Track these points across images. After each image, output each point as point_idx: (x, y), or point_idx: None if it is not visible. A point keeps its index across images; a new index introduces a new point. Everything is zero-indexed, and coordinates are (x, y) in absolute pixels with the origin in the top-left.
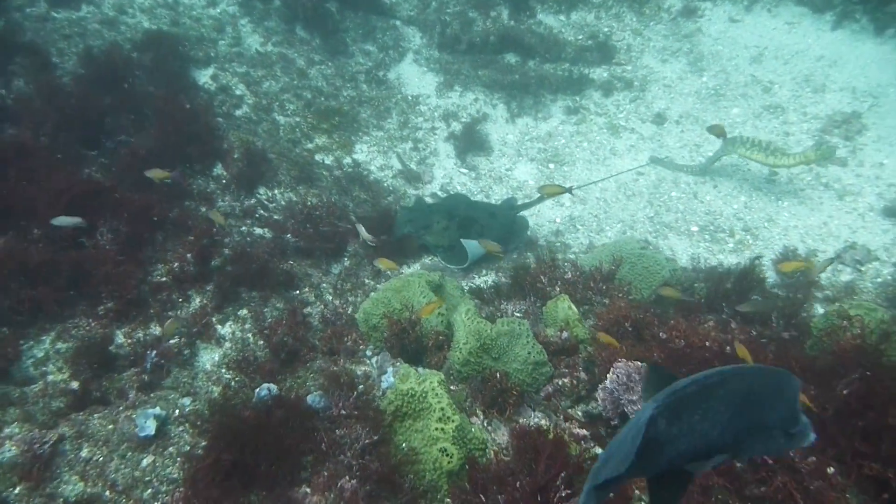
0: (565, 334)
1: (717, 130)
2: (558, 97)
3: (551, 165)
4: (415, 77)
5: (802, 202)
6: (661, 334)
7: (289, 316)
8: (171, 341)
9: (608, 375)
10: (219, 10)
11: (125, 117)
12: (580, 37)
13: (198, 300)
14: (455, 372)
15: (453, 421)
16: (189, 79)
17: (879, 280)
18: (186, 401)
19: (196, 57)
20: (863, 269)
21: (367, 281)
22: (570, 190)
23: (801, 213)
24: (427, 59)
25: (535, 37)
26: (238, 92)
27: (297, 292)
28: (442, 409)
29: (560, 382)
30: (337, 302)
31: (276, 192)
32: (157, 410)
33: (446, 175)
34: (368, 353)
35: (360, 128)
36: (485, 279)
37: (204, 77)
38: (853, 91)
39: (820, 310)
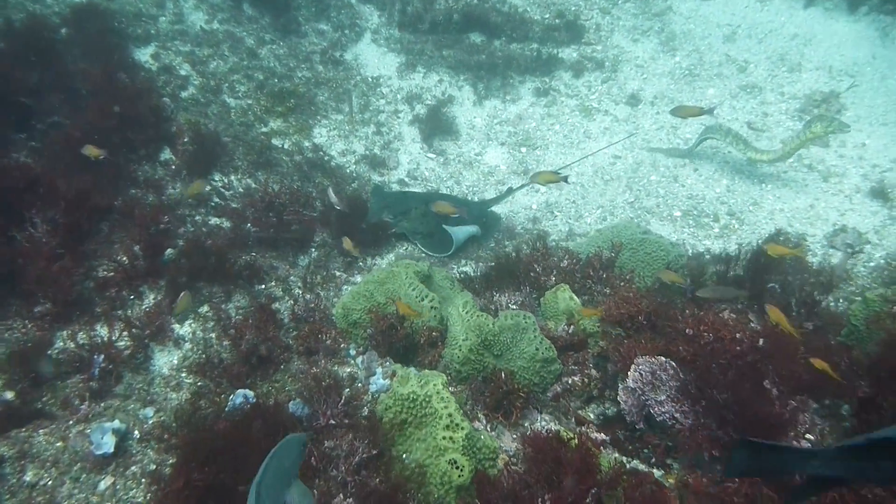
0: (571, 327)
1: (684, 112)
2: (527, 78)
3: (523, 149)
4: (374, 57)
5: (786, 185)
6: (686, 330)
7: (257, 313)
8: (120, 343)
9: (629, 373)
10: None
11: (57, 97)
12: (546, 15)
13: (151, 297)
14: (453, 372)
15: (462, 428)
16: (128, 57)
17: (872, 264)
18: (149, 411)
19: (134, 34)
20: (854, 252)
21: (338, 273)
22: (566, 179)
23: (786, 195)
24: (387, 38)
25: (501, 15)
26: (182, 72)
27: (263, 287)
28: (450, 414)
29: (569, 381)
30: (308, 296)
31: (232, 178)
32: (116, 424)
33: (412, 160)
34: (352, 352)
35: (317, 111)
36: (464, 269)
37: (144, 56)
38: (829, 70)
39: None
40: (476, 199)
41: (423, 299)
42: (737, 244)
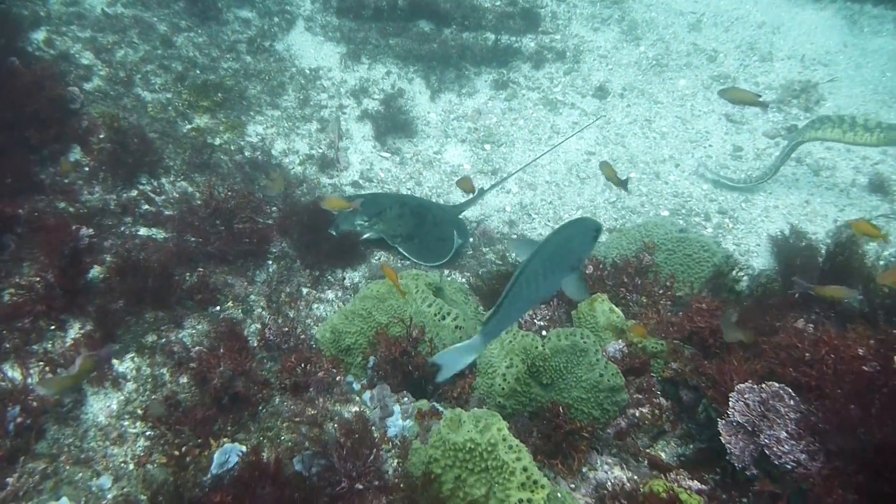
0: (626, 347)
1: (736, 96)
2: (483, 70)
3: (487, 146)
4: (310, 48)
5: (776, 179)
6: (807, 353)
7: (226, 338)
8: (44, 391)
9: (732, 404)
10: None
11: None
12: (498, 3)
13: (76, 327)
14: (493, 408)
15: (543, 486)
16: (16, 42)
17: (882, 263)
18: (105, 481)
19: (19, 15)
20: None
21: (304, 290)
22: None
23: (778, 191)
24: (323, 26)
25: (450, 2)
26: (84, 61)
27: (218, 308)
28: (524, 468)
29: (636, 413)
30: (278, 319)
31: (163, 181)
32: (63, 502)
33: (364, 160)
34: (355, 385)
35: (250, 106)
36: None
37: (34, 41)
38: (802, 59)
39: None
40: (442, 202)
41: (443, 317)
42: (734, 245)
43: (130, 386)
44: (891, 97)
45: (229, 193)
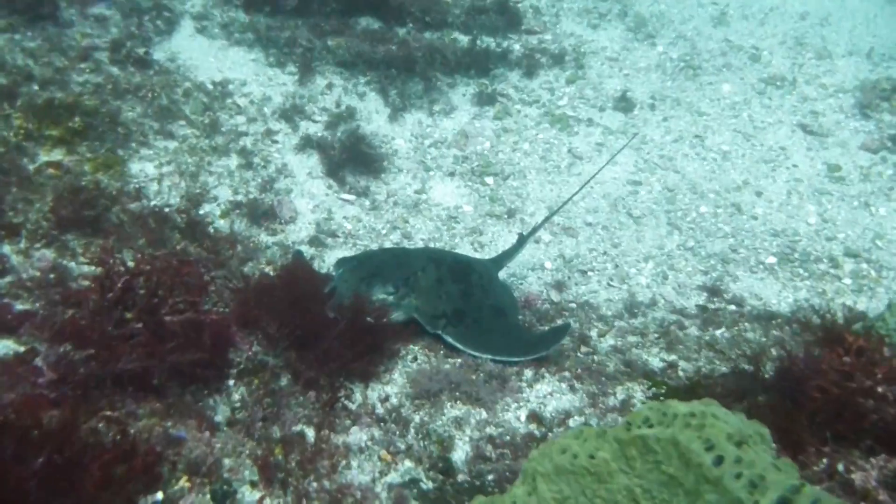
0: None
1: None
2: (458, 80)
3: (489, 180)
4: (207, 54)
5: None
6: None
7: None
8: None
9: None
10: None
11: None
12: None
13: None
14: None
15: None
16: None
17: None
18: None
19: None
20: None
21: (308, 432)
22: None
23: None
24: (224, 25)
25: None
26: None
27: (161, 497)
28: None
29: None
30: None
31: (5, 249)
32: None
33: (319, 206)
34: None
35: (129, 136)
36: (539, 397)
37: None
38: (869, 55)
39: None
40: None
41: None
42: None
43: None
44: None
45: (145, 262)
